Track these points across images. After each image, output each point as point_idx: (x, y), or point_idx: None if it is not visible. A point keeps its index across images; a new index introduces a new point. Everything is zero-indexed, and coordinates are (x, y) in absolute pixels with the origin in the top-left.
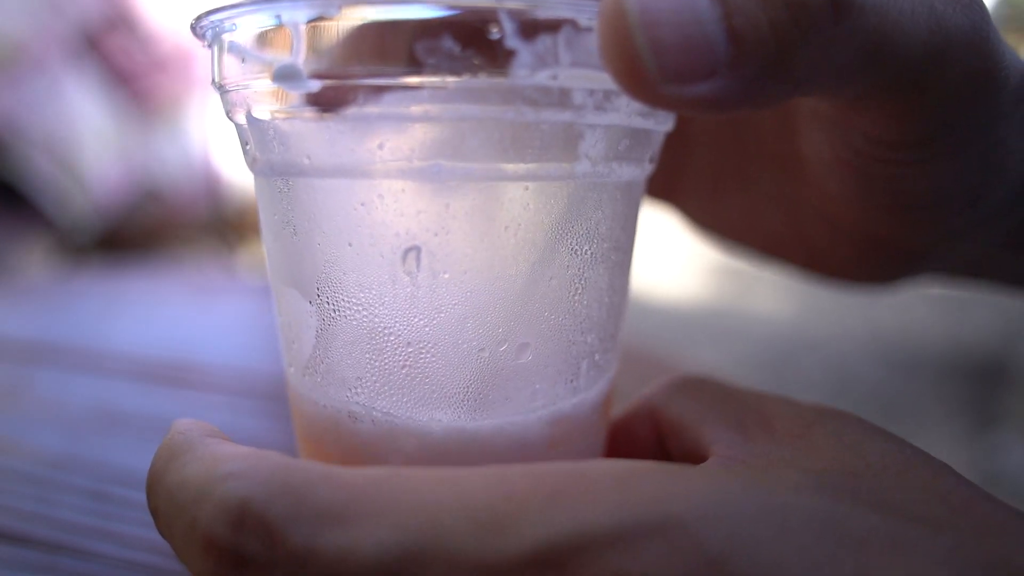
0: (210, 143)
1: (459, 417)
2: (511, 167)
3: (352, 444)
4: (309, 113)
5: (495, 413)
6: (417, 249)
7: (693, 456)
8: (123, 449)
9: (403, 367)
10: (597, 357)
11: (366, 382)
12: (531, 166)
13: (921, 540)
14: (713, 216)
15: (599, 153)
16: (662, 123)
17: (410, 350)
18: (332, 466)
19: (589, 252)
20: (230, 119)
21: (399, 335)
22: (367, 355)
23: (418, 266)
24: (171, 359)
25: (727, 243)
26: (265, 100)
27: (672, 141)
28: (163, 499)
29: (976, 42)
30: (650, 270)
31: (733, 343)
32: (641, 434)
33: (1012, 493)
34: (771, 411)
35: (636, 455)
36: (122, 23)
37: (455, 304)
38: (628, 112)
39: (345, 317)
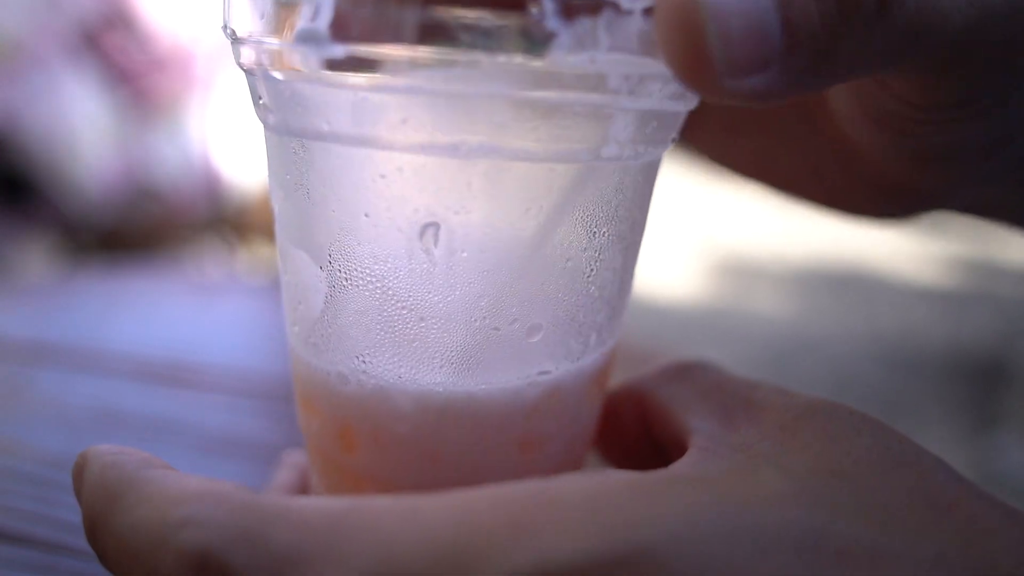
0: (210, 143)
1: (457, 382)
2: (539, 148)
3: (352, 408)
4: (331, 78)
5: (493, 379)
6: (436, 226)
7: (675, 443)
8: None
9: (413, 340)
10: (604, 333)
11: (375, 351)
12: (559, 147)
13: (904, 549)
14: (728, 154)
15: (627, 137)
16: (691, 103)
17: (423, 325)
18: (291, 501)
19: (607, 234)
20: (241, 68)
21: (412, 309)
22: (377, 326)
23: (436, 243)
24: (171, 359)
25: (742, 178)
26: (283, 59)
27: None
28: (112, 544)
29: (1013, 11)
30: (650, 270)
31: (733, 343)
32: (627, 418)
33: (1012, 493)
34: (761, 400)
35: (621, 439)
36: (120, 22)
37: (471, 283)
38: (661, 96)
39: (357, 287)
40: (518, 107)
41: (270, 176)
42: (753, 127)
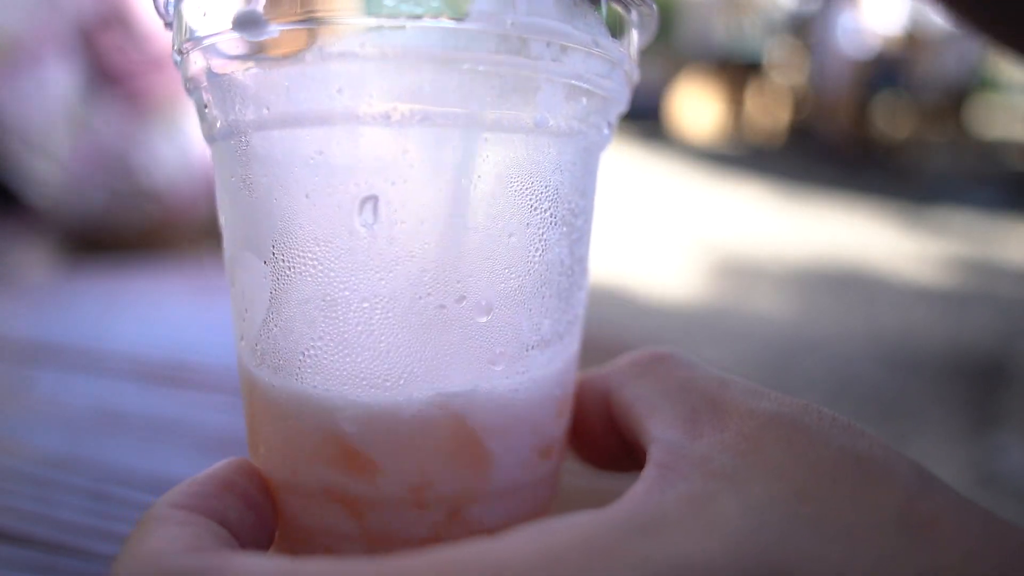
0: None
1: (400, 395)
2: (470, 114)
3: (293, 423)
4: (268, 61)
5: (434, 388)
6: (374, 198)
7: (636, 447)
8: (123, 449)
9: (356, 326)
10: (558, 328)
11: (318, 347)
12: (490, 114)
13: None
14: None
15: (557, 107)
16: (619, 91)
17: (365, 306)
18: (225, 566)
19: (549, 212)
20: (191, 89)
21: (354, 290)
22: (320, 314)
23: (375, 216)
24: (171, 359)
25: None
26: (224, 52)
27: None
28: None
29: None
30: (651, 269)
31: (733, 343)
32: (593, 415)
33: (1012, 493)
34: (729, 405)
35: (587, 435)
36: (117, 21)
37: (412, 256)
38: (584, 70)
39: (300, 274)
40: (446, 72)
41: (218, 191)
42: None
